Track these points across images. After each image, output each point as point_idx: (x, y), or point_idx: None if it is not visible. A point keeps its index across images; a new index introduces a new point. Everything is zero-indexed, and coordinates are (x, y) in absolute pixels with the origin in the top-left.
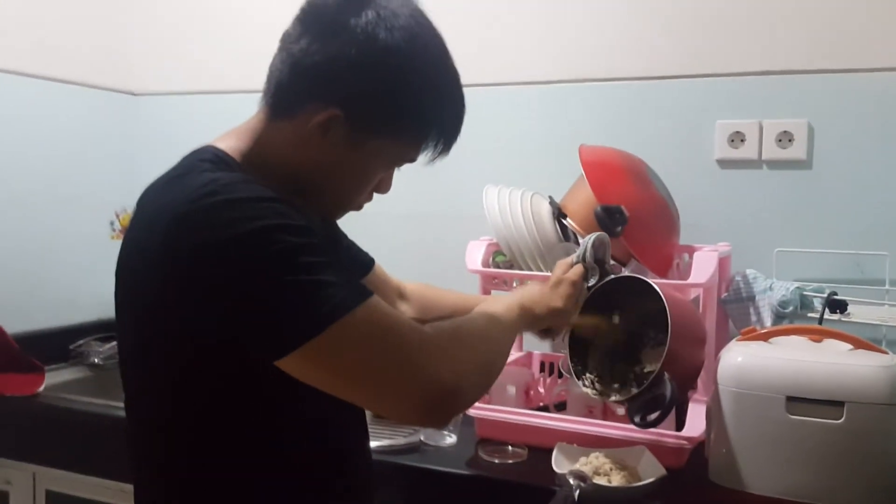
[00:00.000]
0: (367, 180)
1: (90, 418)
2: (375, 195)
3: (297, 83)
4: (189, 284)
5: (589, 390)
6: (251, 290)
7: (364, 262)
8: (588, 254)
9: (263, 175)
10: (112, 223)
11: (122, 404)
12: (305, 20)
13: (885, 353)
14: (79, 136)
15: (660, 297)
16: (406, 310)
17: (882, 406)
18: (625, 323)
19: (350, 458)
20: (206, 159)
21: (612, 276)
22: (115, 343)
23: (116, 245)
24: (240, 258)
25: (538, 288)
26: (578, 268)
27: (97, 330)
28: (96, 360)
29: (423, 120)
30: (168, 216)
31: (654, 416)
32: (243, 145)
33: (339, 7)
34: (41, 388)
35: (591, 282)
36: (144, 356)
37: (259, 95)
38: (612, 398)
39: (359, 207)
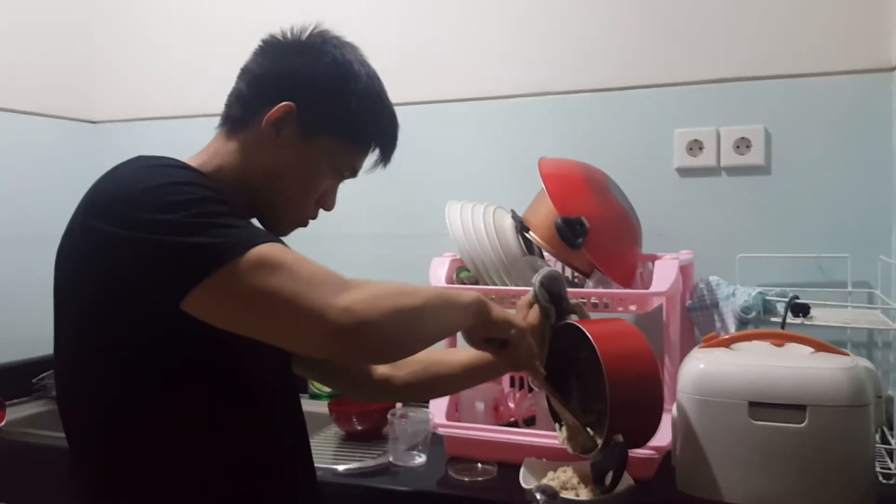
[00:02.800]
0: (316, 183)
1: (53, 453)
2: (338, 216)
3: (254, 92)
4: (100, 241)
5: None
6: (157, 231)
7: None
8: (539, 293)
9: (219, 183)
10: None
11: None
12: (264, 49)
13: (847, 355)
14: (39, 167)
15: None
16: (378, 367)
17: (844, 408)
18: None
19: (286, 460)
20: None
21: (573, 316)
22: None
23: None
24: (147, 204)
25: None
26: (535, 309)
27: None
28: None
29: (365, 124)
30: (89, 202)
31: (608, 481)
32: (202, 163)
33: (294, 39)
34: (2, 424)
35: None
36: (75, 352)
37: (217, 118)
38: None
39: (305, 221)
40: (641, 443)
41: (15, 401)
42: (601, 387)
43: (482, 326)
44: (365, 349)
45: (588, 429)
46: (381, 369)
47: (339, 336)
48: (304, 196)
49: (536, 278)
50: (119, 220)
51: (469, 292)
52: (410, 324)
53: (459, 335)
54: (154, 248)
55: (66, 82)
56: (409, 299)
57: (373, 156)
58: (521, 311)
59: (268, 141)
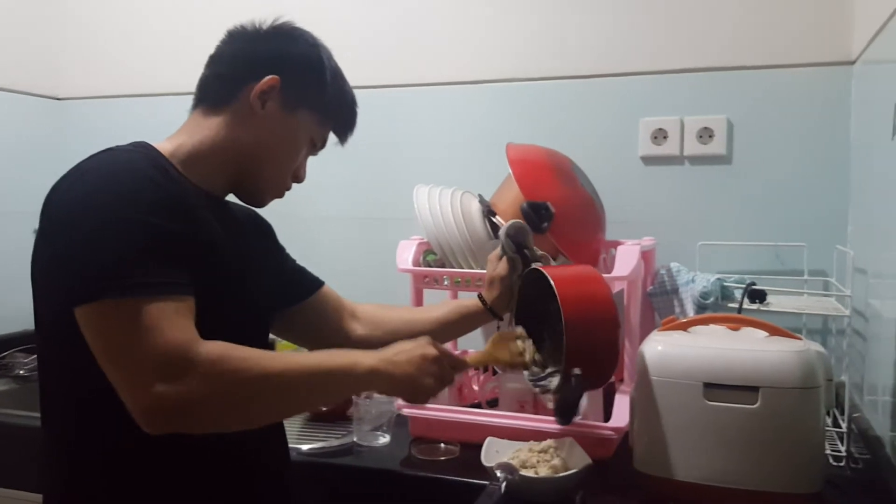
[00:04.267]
0: (296, 151)
1: (15, 431)
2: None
3: (237, 72)
4: (46, 238)
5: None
6: (75, 241)
7: (308, 285)
8: (506, 244)
9: (195, 163)
10: (36, 231)
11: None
12: (233, 38)
13: (799, 339)
14: (3, 143)
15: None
16: (357, 328)
17: (795, 390)
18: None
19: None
20: (125, 147)
21: (538, 263)
22: None
23: None
24: (71, 217)
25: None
26: (504, 261)
27: (21, 342)
28: (21, 372)
29: (335, 101)
30: (54, 192)
31: (565, 413)
32: (175, 143)
33: (260, 29)
34: None
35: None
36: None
37: (187, 98)
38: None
39: (282, 192)
40: (599, 381)
41: None
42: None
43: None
44: (175, 430)
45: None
46: (359, 331)
47: (149, 418)
48: (285, 167)
49: (503, 230)
50: (56, 235)
51: (362, 366)
52: (242, 415)
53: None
54: (60, 257)
55: (30, 58)
56: (254, 398)
57: (340, 133)
58: (492, 264)
59: (253, 114)
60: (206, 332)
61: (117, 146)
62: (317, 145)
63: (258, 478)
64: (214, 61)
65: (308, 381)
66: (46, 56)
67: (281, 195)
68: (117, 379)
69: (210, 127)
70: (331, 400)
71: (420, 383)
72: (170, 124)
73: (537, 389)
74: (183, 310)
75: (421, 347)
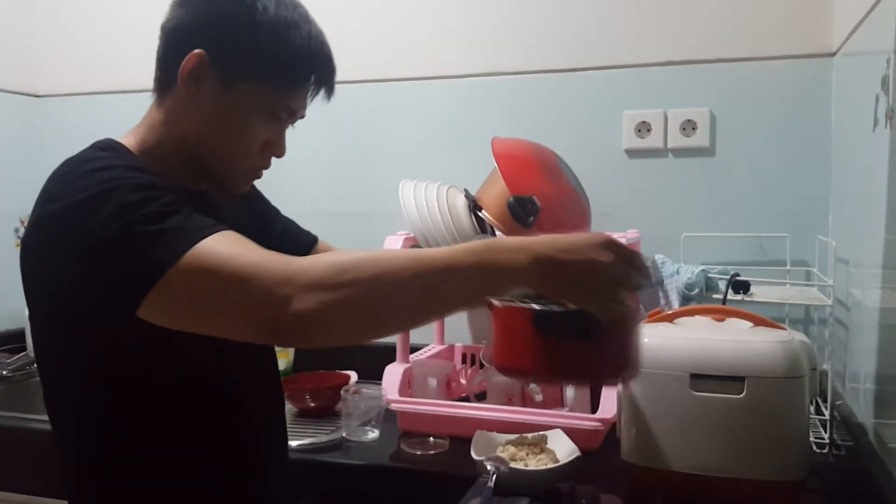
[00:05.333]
0: (249, 130)
1: (5, 431)
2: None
3: (168, 50)
4: (49, 255)
5: None
6: (98, 248)
7: (304, 241)
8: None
9: (162, 160)
10: (17, 230)
11: (32, 416)
12: (177, 2)
13: (784, 329)
14: None
15: None
16: None
17: (780, 380)
18: None
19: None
20: (95, 146)
21: None
22: (23, 354)
23: None
24: (84, 221)
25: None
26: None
27: (4, 342)
28: (4, 373)
29: (283, 59)
30: (39, 195)
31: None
32: (140, 136)
33: None
34: None
35: None
36: (42, 349)
37: None
38: None
39: (258, 172)
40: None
41: None
42: None
43: (484, 267)
44: (306, 337)
45: None
46: None
47: (278, 331)
48: (243, 148)
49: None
50: (59, 240)
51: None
52: (370, 312)
53: None
54: (93, 267)
55: (9, 56)
56: (371, 282)
57: (313, 91)
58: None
59: (191, 99)
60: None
61: (92, 149)
62: (282, 115)
63: (260, 477)
64: (161, 34)
65: (450, 274)
66: (24, 54)
67: (256, 176)
68: (235, 323)
69: (162, 120)
70: (473, 301)
71: (610, 273)
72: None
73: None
74: (241, 237)
75: (594, 234)
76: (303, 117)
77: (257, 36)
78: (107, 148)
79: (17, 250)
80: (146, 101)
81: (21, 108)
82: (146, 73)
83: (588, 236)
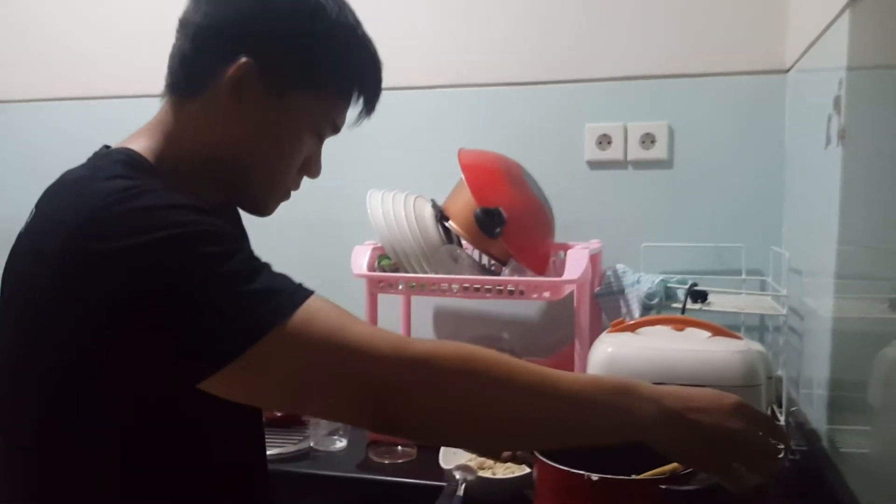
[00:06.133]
0: (295, 148)
1: None
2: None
3: (200, 49)
4: (96, 294)
5: None
6: (165, 303)
7: None
8: None
9: (182, 174)
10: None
11: None
12: None
13: (741, 338)
14: None
15: None
16: None
17: (738, 388)
18: None
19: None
20: (118, 161)
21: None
22: None
23: None
24: (155, 267)
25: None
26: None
27: None
28: None
29: (342, 67)
30: (73, 220)
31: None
32: (155, 143)
33: None
34: None
35: None
36: (23, 364)
37: (126, 101)
38: None
39: (288, 195)
40: None
41: None
42: None
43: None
44: (400, 421)
45: None
46: None
47: (378, 412)
48: (286, 167)
49: None
50: (122, 269)
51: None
52: (489, 426)
53: None
54: (162, 319)
55: None
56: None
57: (355, 106)
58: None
59: (230, 109)
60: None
61: (115, 169)
62: (325, 131)
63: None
64: (181, 29)
65: (577, 407)
66: None
67: (287, 198)
68: (326, 400)
69: (184, 126)
70: (594, 439)
71: (748, 439)
72: (109, 128)
73: None
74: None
75: (725, 396)
76: (338, 133)
77: (318, 43)
78: (132, 164)
79: None
80: (105, 108)
81: None
82: (106, 79)
83: (719, 396)
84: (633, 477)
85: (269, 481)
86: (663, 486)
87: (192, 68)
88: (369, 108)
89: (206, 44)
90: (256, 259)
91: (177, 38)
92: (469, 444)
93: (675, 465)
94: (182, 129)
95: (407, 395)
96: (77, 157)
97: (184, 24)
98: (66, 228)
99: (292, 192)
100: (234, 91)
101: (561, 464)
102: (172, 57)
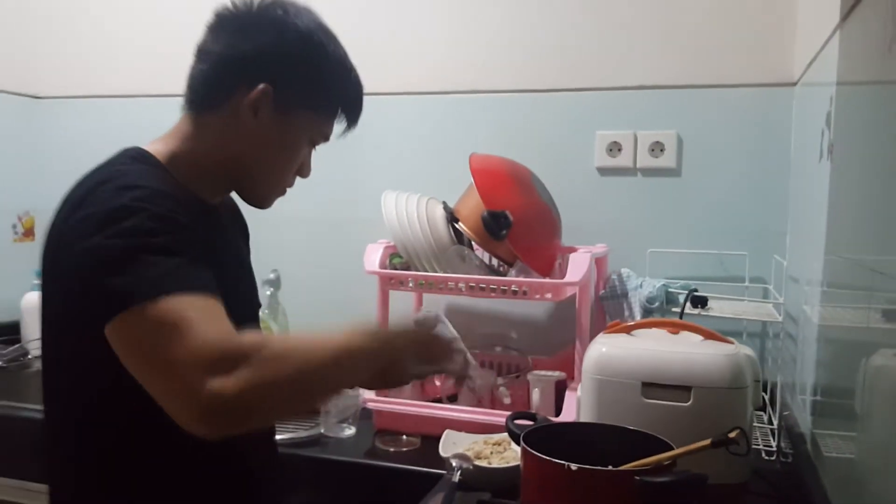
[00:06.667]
0: (295, 154)
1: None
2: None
3: (225, 74)
4: (67, 256)
5: None
6: (97, 258)
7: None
8: None
9: (189, 172)
10: (14, 226)
11: (27, 405)
12: (220, 25)
13: (732, 342)
14: None
15: None
16: None
17: (724, 390)
18: None
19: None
20: (126, 156)
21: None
22: (18, 346)
23: (19, 248)
24: (94, 232)
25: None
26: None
27: (0, 332)
28: (0, 363)
29: (335, 93)
30: (71, 200)
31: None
32: (169, 147)
33: (250, 10)
34: None
35: None
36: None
37: (164, 99)
38: None
39: (284, 191)
40: None
41: None
42: None
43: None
44: (227, 426)
45: None
46: None
47: (206, 419)
48: (286, 170)
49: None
50: (73, 242)
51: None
52: (291, 403)
53: None
54: (85, 278)
55: (10, 58)
56: (299, 384)
57: (341, 122)
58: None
59: (245, 123)
60: None
61: (120, 159)
62: (318, 140)
63: (252, 479)
64: (201, 56)
65: (341, 359)
66: (25, 56)
67: (283, 194)
68: (162, 389)
69: (201, 133)
70: (357, 379)
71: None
72: (146, 126)
73: None
74: (214, 305)
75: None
76: (327, 142)
77: (320, 75)
78: (140, 159)
79: (14, 245)
80: (144, 106)
81: (20, 109)
82: (146, 78)
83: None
84: (610, 468)
85: (281, 467)
86: (638, 477)
87: (213, 89)
88: (353, 122)
89: (228, 70)
90: (184, 246)
91: (196, 62)
92: (285, 415)
93: (656, 458)
94: (199, 136)
95: (239, 404)
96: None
97: (203, 51)
98: (66, 204)
99: (307, 197)
100: (252, 109)
101: (545, 454)
102: (193, 78)
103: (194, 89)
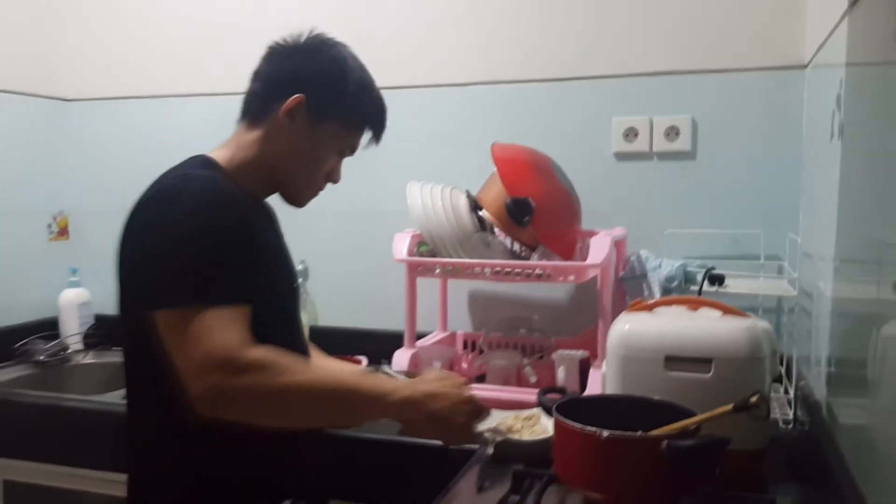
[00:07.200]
0: (324, 161)
1: (43, 410)
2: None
3: (270, 90)
4: (139, 251)
5: None
6: (159, 258)
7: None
8: None
9: (245, 174)
10: (49, 226)
11: (71, 396)
12: (272, 54)
13: (749, 317)
14: (11, 144)
15: None
16: None
17: (743, 360)
18: None
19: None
20: (196, 162)
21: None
22: (58, 341)
23: (54, 247)
24: (162, 234)
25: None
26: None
27: (39, 329)
28: (41, 358)
29: (361, 110)
30: (143, 197)
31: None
32: (228, 153)
33: (297, 42)
34: None
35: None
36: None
37: (191, 99)
38: None
39: (317, 192)
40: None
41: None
42: None
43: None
44: (221, 416)
45: None
46: None
47: (202, 403)
48: (315, 172)
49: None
50: (146, 242)
51: (398, 394)
52: (279, 413)
53: None
54: (149, 272)
55: (37, 61)
56: (289, 399)
57: (366, 136)
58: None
59: (283, 129)
60: (269, 323)
61: (190, 166)
62: (346, 151)
63: (300, 457)
64: (255, 78)
65: (341, 399)
66: (51, 58)
67: (315, 195)
68: (177, 371)
69: (252, 140)
70: (356, 421)
71: (455, 422)
72: (172, 126)
73: None
74: (238, 316)
75: (458, 387)
76: (353, 154)
77: (346, 90)
78: (207, 165)
79: (50, 244)
80: (170, 106)
81: (50, 111)
82: (171, 79)
83: (450, 388)
84: (640, 433)
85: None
86: (665, 442)
87: (262, 102)
88: (377, 138)
89: (272, 86)
90: (229, 251)
91: (251, 83)
92: (267, 424)
93: (681, 424)
94: (250, 143)
95: (225, 400)
96: (141, 154)
97: (258, 73)
98: (137, 208)
99: (333, 191)
100: (288, 116)
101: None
102: (247, 95)
103: (248, 104)
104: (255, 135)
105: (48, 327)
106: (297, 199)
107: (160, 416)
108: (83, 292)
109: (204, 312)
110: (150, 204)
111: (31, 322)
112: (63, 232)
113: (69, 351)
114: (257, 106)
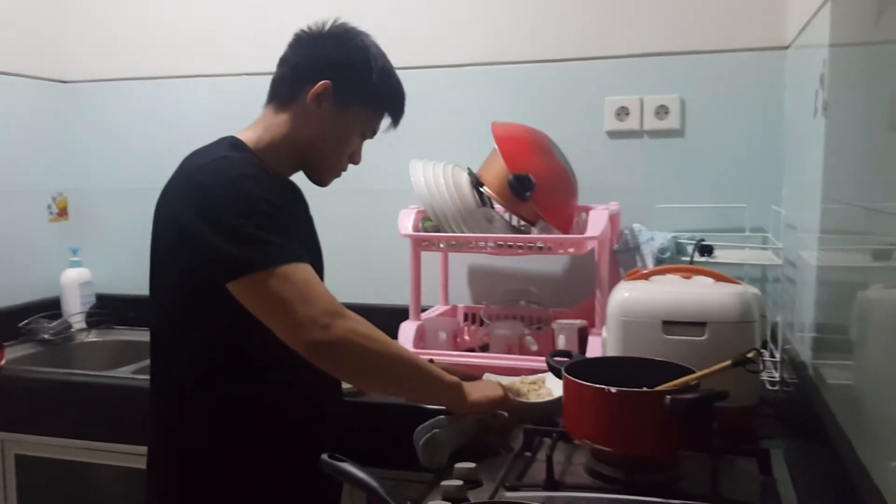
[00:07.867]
0: (348, 142)
1: (52, 386)
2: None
3: (298, 76)
4: (185, 230)
5: None
6: (229, 226)
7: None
8: None
9: (272, 155)
10: (49, 207)
11: (79, 371)
12: (297, 41)
13: (739, 283)
14: (12, 125)
15: None
16: None
17: (735, 324)
18: None
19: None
20: (225, 143)
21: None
22: (61, 320)
23: (55, 228)
24: (226, 204)
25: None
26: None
27: (42, 308)
28: (46, 336)
29: (383, 95)
30: (186, 176)
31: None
32: (256, 135)
33: (321, 30)
34: (2, 363)
35: None
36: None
37: (193, 80)
38: None
39: (340, 173)
40: None
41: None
42: None
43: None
44: (331, 363)
45: None
46: None
47: (313, 346)
48: (340, 154)
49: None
50: (204, 220)
51: (449, 377)
52: (375, 361)
53: None
54: (220, 246)
55: (38, 43)
56: (381, 346)
57: (386, 120)
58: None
59: (311, 112)
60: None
61: (221, 146)
62: (367, 133)
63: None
64: (282, 64)
65: (412, 369)
66: (53, 40)
67: (339, 175)
68: (287, 326)
69: (279, 122)
70: (418, 394)
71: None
72: (174, 106)
73: None
74: (313, 272)
75: (500, 390)
76: (374, 136)
77: (370, 76)
78: (238, 147)
79: (50, 225)
80: (170, 88)
81: (50, 93)
82: (172, 60)
83: (494, 389)
84: (645, 389)
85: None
86: (669, 396)
87: (290, 87)
88: (396, 122)
89: (301, 71)
90: (285, 223)
91: (278, 68)
92: (358, 380)
93: (683, 380)
94: (278, 125)
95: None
96: (139, 135)
97: (285, 59)
98: (181, 184)
99: (344, 172)
100: (315, 100)
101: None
102: (275, 80)
103: (275, 88)
104: (282, 118)
105: (51, 307)
106: (322, 178)
107: (202, 395)
108: (84, 272)
109: (297, 268)
110: (197, 182)
111: (34, 302)
112: (63, 213)
113: (73, 329)
114: (285, 90)
